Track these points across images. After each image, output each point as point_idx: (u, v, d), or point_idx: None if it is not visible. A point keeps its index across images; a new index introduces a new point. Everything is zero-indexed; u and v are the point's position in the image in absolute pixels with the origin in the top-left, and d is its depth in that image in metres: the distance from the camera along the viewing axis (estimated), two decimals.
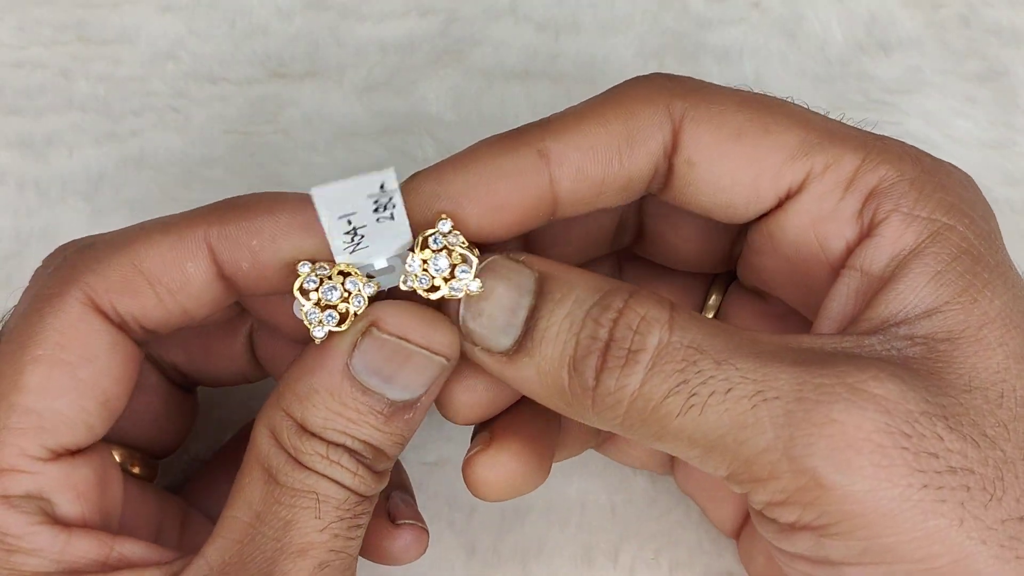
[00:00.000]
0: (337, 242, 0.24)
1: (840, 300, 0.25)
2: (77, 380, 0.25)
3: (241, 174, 0.37)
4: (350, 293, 0.25)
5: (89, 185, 0.37)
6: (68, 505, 0.26)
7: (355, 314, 0.25)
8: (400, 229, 0.24)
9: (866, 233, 0.25)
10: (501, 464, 0.27)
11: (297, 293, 0.25)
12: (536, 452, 0.28)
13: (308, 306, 0.25)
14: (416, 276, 0.25)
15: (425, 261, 0.25)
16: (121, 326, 0.26)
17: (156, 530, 0.29)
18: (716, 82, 0.27)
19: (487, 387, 0.27)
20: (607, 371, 0.23)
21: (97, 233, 0.28)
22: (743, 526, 0.32)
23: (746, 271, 0.29)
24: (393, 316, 0.25)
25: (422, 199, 0.25)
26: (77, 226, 0.36)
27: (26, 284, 0.27)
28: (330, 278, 0.25)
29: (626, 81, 0.26)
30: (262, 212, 0.25)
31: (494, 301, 0.24)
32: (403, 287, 0.25)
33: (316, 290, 0.25)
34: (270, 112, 0.37)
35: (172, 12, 0.38)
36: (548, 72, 0.37)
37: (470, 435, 0.29)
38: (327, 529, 0.25)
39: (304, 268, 0.25)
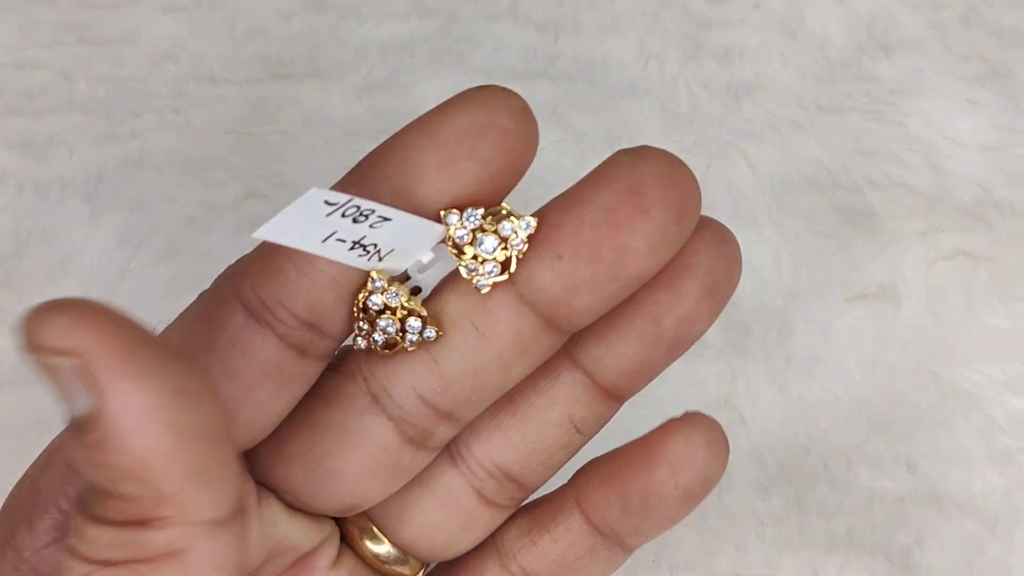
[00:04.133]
0: (349, 258, 0.23)
1: None
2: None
3: (241, 174, 0.37)
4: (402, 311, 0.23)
5: (89, 186, 0.37)
6: None
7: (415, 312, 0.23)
8: (417, 224, 0.23)
9: None
10: None
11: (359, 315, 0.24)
12: None
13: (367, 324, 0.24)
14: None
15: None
16: (266, 322, 0.23)
17: None
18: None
19: None
20: None
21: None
22: None
23: None
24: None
25: None
26: (77, 226, 0.36)
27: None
28: (386, 311, 0.23)
29: None
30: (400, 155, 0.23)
31: None
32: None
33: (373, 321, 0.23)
34: (270, 113, 0.37)
35: (172, 13, 0.38)
36: (548, 73, 0.37)
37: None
38: None
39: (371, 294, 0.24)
